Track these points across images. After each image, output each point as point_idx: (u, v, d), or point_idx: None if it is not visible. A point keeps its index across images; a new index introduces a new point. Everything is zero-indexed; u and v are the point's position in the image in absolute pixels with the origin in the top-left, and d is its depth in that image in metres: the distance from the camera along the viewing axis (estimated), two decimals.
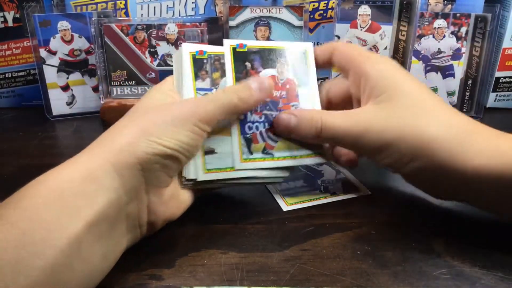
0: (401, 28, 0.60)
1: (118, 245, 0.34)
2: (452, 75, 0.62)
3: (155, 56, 0.61)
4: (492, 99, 0.66)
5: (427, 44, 0.61)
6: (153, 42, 0.60)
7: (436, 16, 0.60)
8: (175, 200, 0.39)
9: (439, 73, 0.62)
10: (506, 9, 0.61)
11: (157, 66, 0.61)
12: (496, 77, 0.65)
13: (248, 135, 0.41)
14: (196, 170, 0.40)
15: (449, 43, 0.61)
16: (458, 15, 0.60)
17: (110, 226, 0.33)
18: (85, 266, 0.31)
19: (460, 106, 0.63)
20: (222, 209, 0.43)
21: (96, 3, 0.62)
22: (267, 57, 0.43)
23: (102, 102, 0.61)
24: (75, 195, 0.31)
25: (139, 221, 0.36)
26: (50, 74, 0.62)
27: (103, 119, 0.59)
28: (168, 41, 0.60)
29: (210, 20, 0.61)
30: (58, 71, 0.62)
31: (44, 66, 0.61)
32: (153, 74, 0.61)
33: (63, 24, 0.60)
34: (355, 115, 0.40)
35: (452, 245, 0.38)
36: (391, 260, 0.37)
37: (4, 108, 0.67)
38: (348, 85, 0.43)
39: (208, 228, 0.41)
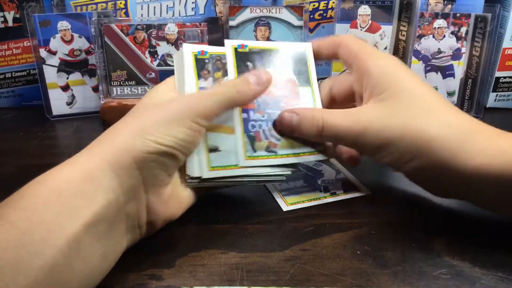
0: (401, 28, 0.60)
1: (118, 245, 0.34)
2: (452, 75, 0.62)
3: (155, 56, 0.61)
4: (492, 99, 0.66)
5: (427, 44, 0.61)
6: (153, 42, 0.60)
7: (436, 16, 0.60)
8: (175, 199, 0.39)
9: (439, 73, 0.62)
10: (506, 9, 0.61)
11: (157, 66, 0.61)
12: (496, 77, 0.65)
13: (251, 133, 0.42)
14: (201, 167, 0.40)
15: (449, 43, 0.61)
16: (458, 15, 0.60)
17: (110, 226, 0.33)
18: (84, 266, 0.31)
19: (460, 106, 0.62)
20: (222, 209, 0.43)
21: (96, 3, 0.62)
22: (268, 58, 0.44)
23: (102, 102, 0.61)
24: (74, 195, 0.31)
25: (139, 221, 0.36)
26: (50, 74, 0.62)
27: (103, 119, 0.59)
28: (168, 41, 0.60)
29: (210, 20, 0.61)
30: (58, 71, 0.62)
31: (44, 66, 0.61)
32: (153, 74, 0.61)
33: (63, 24, 0.60)
34: (356, 113, 0.40)
35: (452, 245, 0.38)
36: (391, 260, 0.37)
37: (4, 108, 0.67)
38: (352, 81, 0.43)
39: (208, 228, 0.41)
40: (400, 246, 0.38)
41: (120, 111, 0.39)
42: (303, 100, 0.44)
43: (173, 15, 0.64)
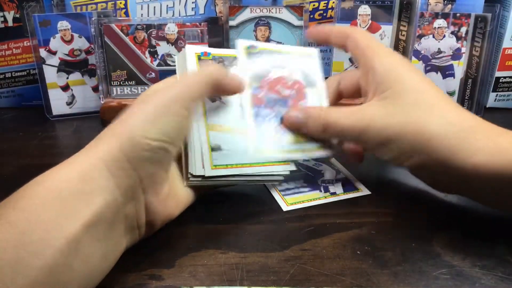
0: (401, 28, 0.60)
1: (117, 245, 0.34)
2: (452, 75, 0.62)
3: (155, 56, 0.61)
4: (492, 99, 0.66)
5: (427, 44, 0.61)
6: (153, 42, 0.60)
7: (436, 16, 0.60)
8: (173, 199, 0.39)
9: (439, 73, 0.62)
10: (506, 9, 0.61)
11: (157, 66, 0.61)
12: (496, 77, 0.65)
13: (260, 129, 0.43)
14: (204, 165, 0.40)
15: (449, 43, 0.61)
16: (458, 15, 0.60)
17: (109, 227, 0.33)
18: (84, 267, 0.31)
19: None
20: (222, 209, 0.43)
21: (96, 3, 0.62)
22: (277, 59, 0.46)
23: (102, 102, 0.61)
24: (72, 196, 0.31)
25: (138, 222, 0.36)
26: (50, 74, 0.62)
27: (103, 119, 0.59)
28: (168, 41, 0.60)
29: (210, 20, 0.61)
30: (58, 71, 0.62)
31: (44, 66, 0.61)
32: (153, 74, 0.61)
33: (63, 24, 0.60)
34: (359, 112, 0.41)
35: (452, 245, 0.38)
36: (391, 260, 0.37)
37: (4, 108, 0.67)
38: (359, 77, 0.44)
39: (208, 228, 0.41)
40: (400, 246, 0.38)
41: (120, 111, 0.39)
42: (310, 100, 0.45)
43: (173, 15, 0.64)
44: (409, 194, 0.46)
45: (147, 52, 0.60)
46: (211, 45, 0.61)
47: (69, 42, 0.61)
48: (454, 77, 0.62)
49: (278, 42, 0.61)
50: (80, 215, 0.31)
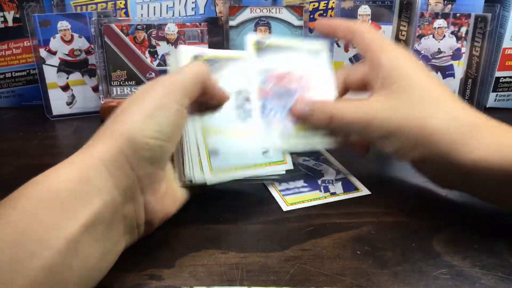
0: (401, 28, 0.60)
1: (117, 245, 0.34)
2: (452, 75, 0.62)
3: (155, 56, 0.61)
4: (492, 99, 0.66)
5: (427, 44, 0.61)
6: (153, 42, 0.60)
7: (436, 16, 0.60)
8: (170, 197, 0.39)
9: (439, 73, 0.62)
10: (506, 9, 0.61)
11: (157, 66, 0.61)
12: (496, 77, 0.65)
13: (267, 119, 0.44)
14: (203, 171, 0.41)
15: (449, 43, 0.61)
16: (458, 15, 0.60)
17: (107, 227, 0.33)
18: (83, 266, 0.31)
19: None
20: (222, 209, 0.43)
21: (96, 3, 0.62)
22: (285, 53, 0.47)
23: (102, 102, 0.61)
24: (71, 196, 0.31)
25: (137, 221, 0.36)
26: (50, 74, 0.62)
27: (103, 119, 0.59)
28: (168, 41, 0.60)
29: (210, 20, 0.61)
30: (58, 71, 0.62)
31: (44, 66, 0.61)
32: (153, 74, 0.61)
33: (63, 24, 0.60)
34: (365, 105, 0.41)
35: (452, 245, 0.38)
36: (391, 260, 0.37)
37: (4, 108, 0.67)
38: (365, 71, 0.45)
39: (208, 228, 0.41)
40: (400, 246, 0.38)
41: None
42: (317, 93, 0.46)
43: (173, 15, 0.64)
44: (409, 194, 0.46)
45: (147, 52, 0.60)
46: (211, 45, 0.61)
47: (69, 42, 0.61)
48: (454, 77, 0.62)
49: None
50: (79, 215, 0.31)
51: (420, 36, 0.61)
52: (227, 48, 0.61)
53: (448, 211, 0.43)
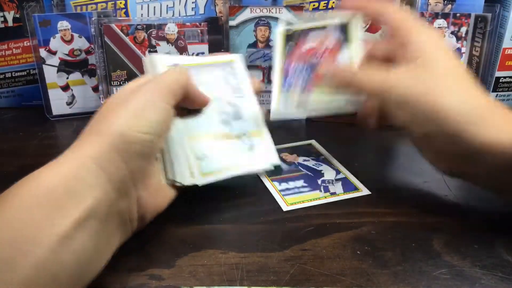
0: None
1: (111, 241, 0.35)
2: None
3: None
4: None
5: None
6: (153, 42, 0.60)
7: (436, 16, 0.60)
8: (161, 192, 0.40)
9: None
10: (506, 9, 0.61)
11: None
12: (496, 77, 0.65)
13: (287, 89, 0.48)
14: (193, 175, 0.42)
15: (449, 43, 0.61)
16: (458, 15, 0.60)
17: (101, 223, 0.33)
18: (76, 262, 0.31)
19: None
20: (222, 209, 0.43)
21: (96, 3, 0.62)
22: (313, 33, 0.49)
23: (102, 102, 0.61)
24: (64, 194, 0.32)
25: (130, 216, 0.36)
26: (50, 74, 0.62)
27: None
28: (168, 41, 0.60)
29: (210, 20, 0.61)
30: (58, 71, 0.62)
31: (44, 66, 0.61)
32: None
33: (63, 24, 0.60)
34: (387, 73, 0.42)
35: (452, 245, 0.38)
36: (391, 260, 0.37)
37: (4, 108, 0.67)
38: (390, 48, 0.45)
39: (208, 228, 0.41)
40: (400, 246, 0.38)
41: None
42: (342, 58, 0.48)
43: (173, 15, 0.64)
44: (409, 194, 0.46)
45: (147, 52, 0.60)
46: (211, 45, 0.61)
47: (69, 42, 0.61)
48: None
49: None
50: (72, 212, 0.31)
51: None
52: (227, 48, 0.61)
53: (448, 211, 0.43)
